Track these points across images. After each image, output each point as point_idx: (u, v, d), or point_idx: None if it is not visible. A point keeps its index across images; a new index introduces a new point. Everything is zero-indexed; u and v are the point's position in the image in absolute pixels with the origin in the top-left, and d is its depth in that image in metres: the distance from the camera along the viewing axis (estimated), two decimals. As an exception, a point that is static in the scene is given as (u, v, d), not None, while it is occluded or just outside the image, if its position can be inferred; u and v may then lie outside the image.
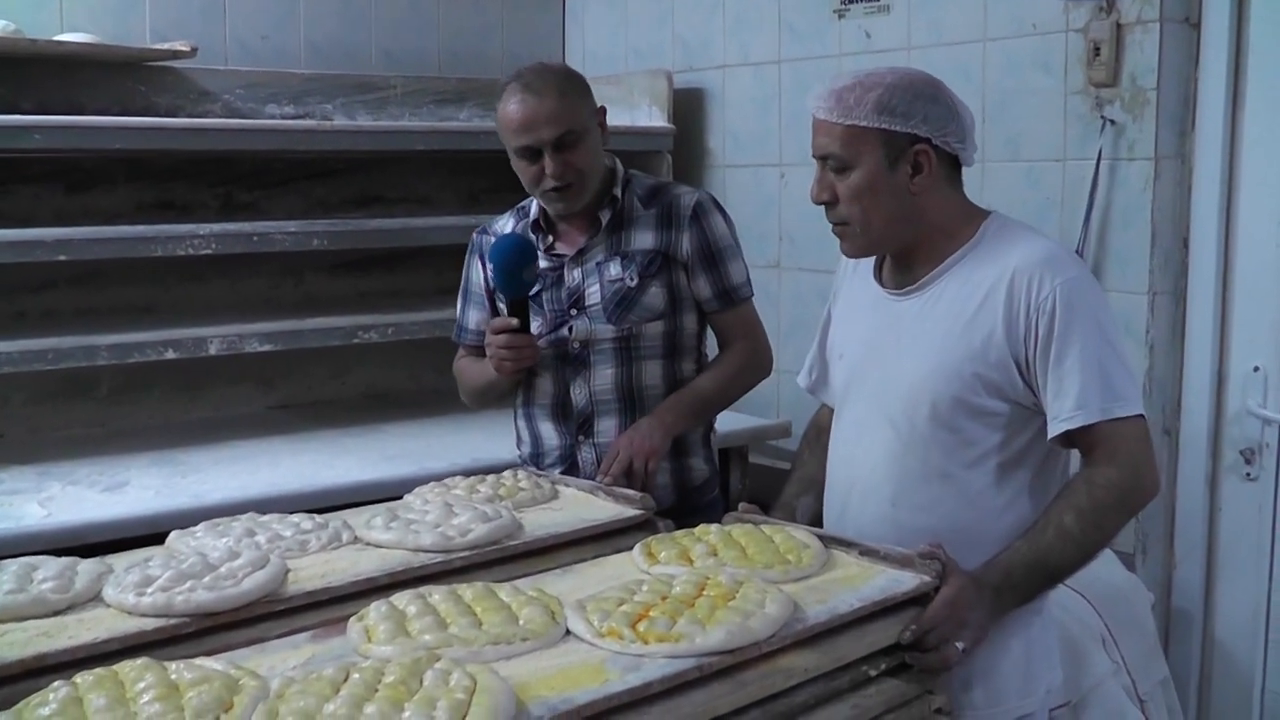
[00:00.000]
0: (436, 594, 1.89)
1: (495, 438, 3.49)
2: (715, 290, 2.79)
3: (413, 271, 4.29)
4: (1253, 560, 2.98)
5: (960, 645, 1.96)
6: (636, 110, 4.19)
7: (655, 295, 2.76)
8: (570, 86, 2.74)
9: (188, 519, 2.38)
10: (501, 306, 2.80)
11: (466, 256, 2.97)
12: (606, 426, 2.79)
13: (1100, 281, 3.01)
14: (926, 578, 1.98)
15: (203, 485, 3.11)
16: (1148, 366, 2.98)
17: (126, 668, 1.65)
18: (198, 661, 1.68)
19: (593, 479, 2.73)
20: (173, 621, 1.85)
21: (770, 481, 3.11)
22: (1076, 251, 3.00)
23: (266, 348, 3.51)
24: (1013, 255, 2.17)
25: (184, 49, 3.72)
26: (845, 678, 1.83)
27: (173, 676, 1.62)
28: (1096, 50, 2.98)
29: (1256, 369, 2.93)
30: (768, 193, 3.92)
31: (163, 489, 3.09)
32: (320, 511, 2.38)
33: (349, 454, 3.42)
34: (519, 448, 2.94)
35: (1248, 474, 2.96)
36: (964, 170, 2.26)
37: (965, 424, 2.17)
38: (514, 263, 2.66)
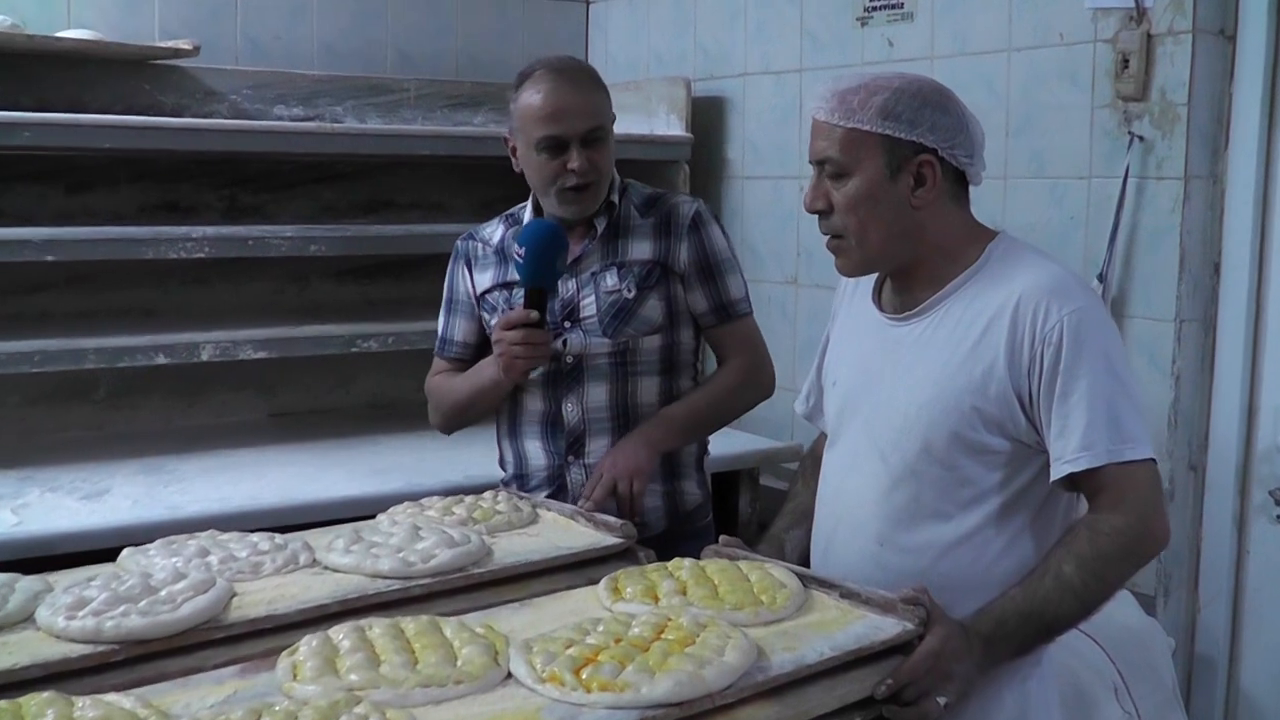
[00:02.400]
0: (377, 627, 1.77)
1: (492, 453, 3.37)
2: (711, 304, 2.67)
3: (419, 279, 4.15)
4: (1282, 607, 2.82)
5: (943, 700, 1.81)
6: (654, 118, 4.07)
7: (653, 308, 2.63)
8: (599, 82, 2.65)
9: (159, 532, 2.29)
10: (512, 301, 2.66)
11: (450, 264, 2.85)
12: (598, 446, 2.66)
13: (1125, 307, 2.87)
14: (909, 625, 1.83)
15: (182, 496, 3.02)
16: (1173, 399, 2.82)
17: (31, 700, 1.54)
18: (106, 698, 1.57)
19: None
20: (101, 648, 1.73)
21: (780, 505, 3.00)
22: (1100, 275, 2.85)
23: (260, 355, 3.41)
24: (1018, 281, 2.02)
25: (186, 47, 3.65)
26: (813, 733, 1.69)
27: (76, 713, 1.51)
28: (1125, 62, 2.83)
29: (1289, 404, 2.77)
30: (787, 206, 3.78)
31: (141, 499, 3.00)
32: (295, 528, 2.29)
33: (338, 466, 3.32)
34: (502, 469, 2.82)
35: (1278, 515, 2.79)
36: (982, 187, 2.13)
37: (962, 461, 2.02)
38: (549, 247, 2.50)
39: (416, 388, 4.13)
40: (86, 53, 3.57)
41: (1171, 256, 2.82)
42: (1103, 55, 2.90)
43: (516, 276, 2.65)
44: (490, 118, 4.27)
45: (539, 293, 2.51)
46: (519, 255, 2.50)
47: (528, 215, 2.74)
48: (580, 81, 2.60)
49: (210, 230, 3.40)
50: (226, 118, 3.84)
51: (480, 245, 2.80)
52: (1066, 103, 2.98)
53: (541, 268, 2.50)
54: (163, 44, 3.69)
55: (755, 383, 2.75)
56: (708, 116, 4.07)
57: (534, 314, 2.50)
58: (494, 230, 2.81)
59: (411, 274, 4.17)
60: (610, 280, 2.64)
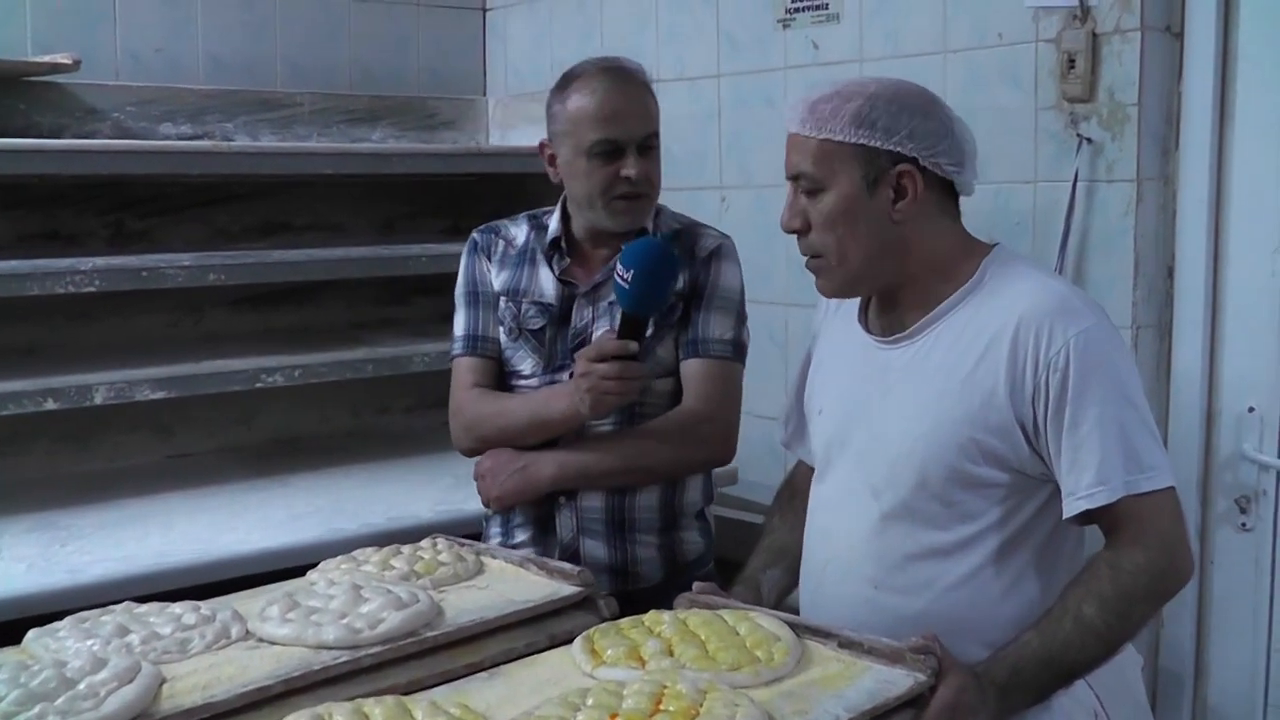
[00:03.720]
0: (339, 715, 1.58)
1: (412, 490, 3.23)
2: (690, 335, 2.48)
3: (323, 306, 3.96)
4: (1248, 618, 2.74)
5: (960, 755, 1.69)
6: (563, 130, 3.91)
7: (668, 347, 2.47)
8: (651, 87, 2.52)
9: (62, 599, 2.16)
10: (521, 316, 2.50)
11: (465, 257, 2.64)
12: (593, 492, 2.50)
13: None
14: (921, 676, 1.70)
15: (83, 556, 2.75)
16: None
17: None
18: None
19: (570, 546, 2.49)
20: (20, 760, 1.53)
21: (723, 532, 2.86)
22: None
23: (159, 395, 3.16)
24: (1019, 300, 1.90)
25: (66, 61, 3.40)
26: (829, 804, 1.54)
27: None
28: (1071, 62, 2.73)
29: (1251, 410, 2.69)
30: (708, 218, 3.52)
31: (36, 561, 2.72)
32: (214, 588, 2.11)
33: (250, 512, 3.08)
34: (486, 506, 2.61)
35: (1243, 524, 2.72)
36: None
37: (960, 496, 1.90)
38: (662, 269, 2.27)
39: (323, 420, 3.96)
40: (-45, 72, 3.32)
41: (1125, 261, 2.73)
42: (1045, 55, 2.81)
43: (537, 287, 2.53)
44: (389, 133, 4.08)
45: (639, 322, 2.29)
46: (623, 278, 2.24)
47: (554, 223, 2.56)
48: (637, 83, 2.48)
49: (100, 261, 3.14)
50: (109, 137, 3.60)
51: (503, 243, 2.61)
52: (1008, 105, 2.88)
53: (651, 293, 2.27)
54: (39, 59, 3.44)
55: (701, 436, 2.49)
56: (619, 127, 3.92)
57: (633, 345, 2.26)
58: (519, 229, 2.62)
59: (313, 300, 3.95)
60: None
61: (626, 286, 2.25)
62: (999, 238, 2.80)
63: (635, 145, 2.43)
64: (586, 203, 2.47)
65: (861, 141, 1.90)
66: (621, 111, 2.42)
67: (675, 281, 2.38)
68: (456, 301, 2.64)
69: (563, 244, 2.55)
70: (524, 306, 2.55)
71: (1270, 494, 2.70)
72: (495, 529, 2.62)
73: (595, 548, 2.51)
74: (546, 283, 2.54)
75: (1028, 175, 2.86)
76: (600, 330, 2.47)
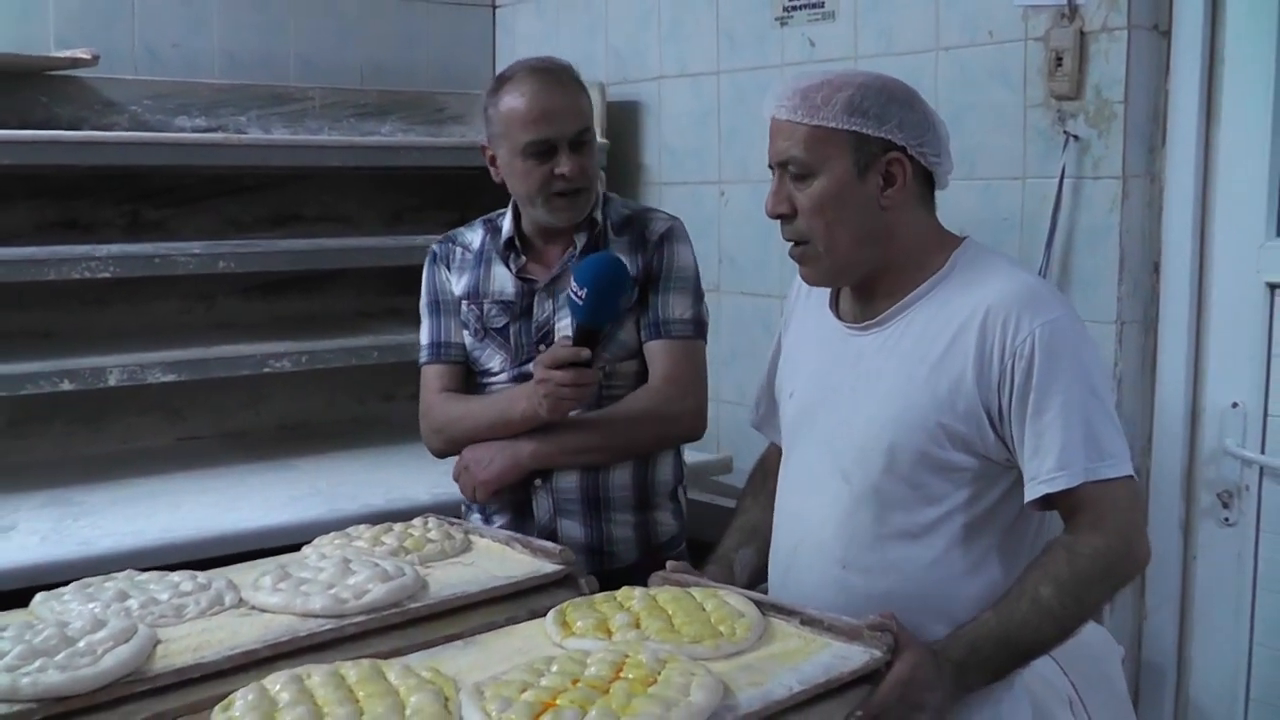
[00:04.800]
0: (316, 676, 1.65)
1: (411, 474, 3.30)
2: (651, 317, 2.54)
3: (331, 295, 4.05)
4: (1230, 612, 2.78)
5: (915, 729, 1.74)
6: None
7: (630, 330, 2.53)
8: (581, 81, 2.54)
9: (72, 570, 2.20)
10: (485, 317, 2.56)
11: (426, 268, 2.71)
12: (567, 473, 2.56)
13: (1063, 310, 2.82)
14: (876, 652, 1.75)
15: (94, 530, 2.85)
16: (1116, 402, 2.75)
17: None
18: (23, 764, 1.44)
19: (548, 527, 2.55)
20: (17, 708, 1.60)
21: (712, 519, 2.90)
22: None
23: (170, 378, 3.25)
24: (987, 290, 1.94)
25: (85, 57, 3.48)
26: (783, 770, 1.60)
27: (-10, 785, 1.38)
28: (1059, 60, 2.78)
29: (1235, 405, 2.72)
30: (707, 212, 3.70)
31: (50, 534, 2.83)
32: (217, 562, 2.19)
33: (254, 493, 3.17)
34: (471, 499, 2.65)
35: (1225, 519, 2.75)
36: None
37: (927, 479, 1.94)
38: (613, 283, 2.34)
39: (329, 406, 4.04)
40: (-22, 65, 3.40)
41: (1111, 257, 2.77)
42: (1034, 53, 2.85)
43: (497, 287, 2.58)
44: (398, 126, 4.14)
45: (593, 332, 2.37)
46: (577, 294, 2.31)
47: (507, 223, 2.61)
48: (564, 81, 2.50)
49: (115, 249, 3.24)
50: (126, 130, 3.67)
51: (460, 250, 2.67)
52: (998, 102, 2.92)
53: (604, 306, 2.34)
54: (59, 54, 3.51)
55: (670, 416, 2.55)
56: (622, 122, 3.98)
57: (585, 353, 2.34)
58: (473, 235, 2.68)
59: (321, 289, 4.04)
60: None
61: (580, 302, 2.32)
62: (988, 233, 2.86)
63: (568, 142, 2.46)
64: (528, 201, 2.53)
65: (854, 128, 1.94)
66: (551, 111, 2.45)
67: (627, 294, 2.43)
68: (421, 312, 2.71)
69: (516, 243, 2.61)
70: (486, 307, 2.61)
71: (1253, 489, 2.73)
72: (475, 515, 2.68)
73: (572, 528, 2.57)
74: (505, 281, 2.61)
75: (1016, 172, 2.90)
76: (562, 322, 2.53)
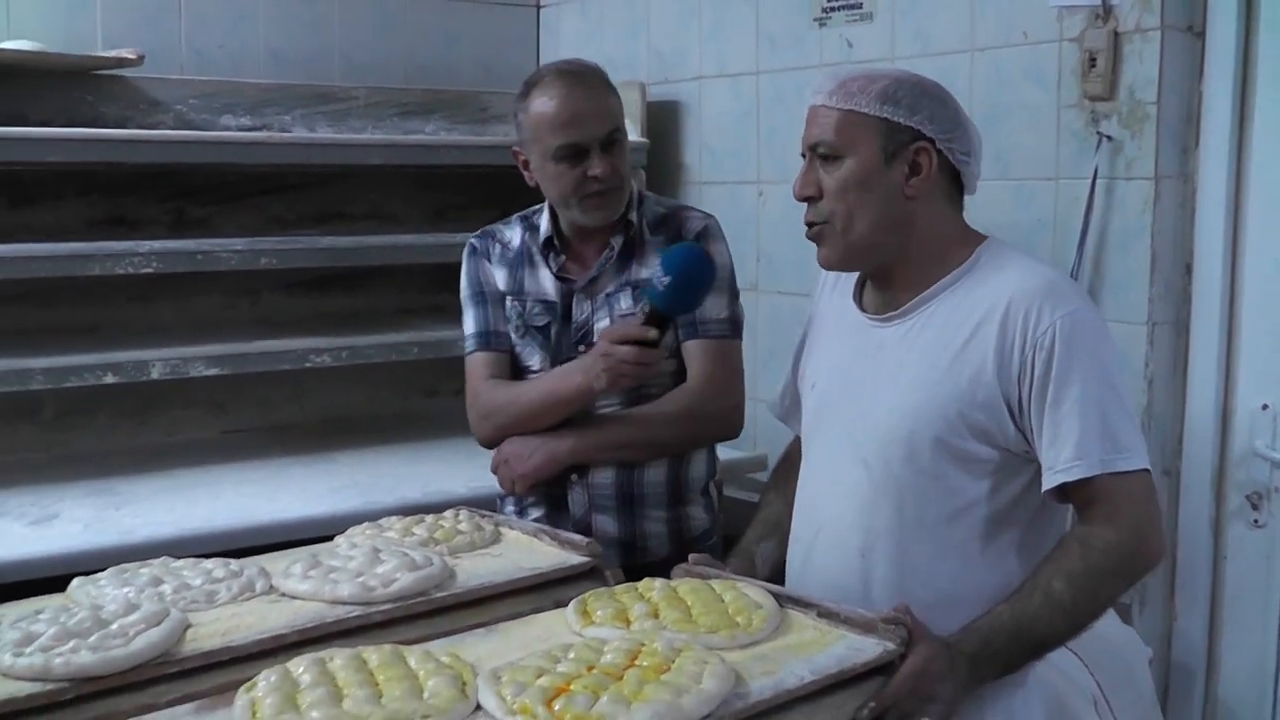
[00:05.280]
0: (338, 659, 1.69)
1: (450, 467, 3.35)
2: (687, 317, 2.54)
3: (374, 291, 4.10)
4: (1259, 613, 2.77)
5: (927, 721, 1.75)
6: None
7: (669, 330, 2.52)
8: (609, 82, 2.56)
9: (112, 558, 2.21)
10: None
11: (466, 261, 2.72)
12: (603, 469, 2.59)
13: (1096, 310, 2.82)
14: (890, 645, 1.77)
15: (134, 519, 2.92)
16: (1146, 403, 2.77)
17: (-27, 744, 1.46)
18: (53, 740, 1.49)
19: (582, 521, 2.58)
20: (49, 687, 1.65)
21: (746, 515, 2.93)
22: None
23: (211, 371, 3.31)
24: (1008, 283, 1.97)
25: (130, 57, 3.54)
26: (794, 760, 1.62)
27: (19, 758, 1.43)
28: (1092, 61, 2.78)
29: (1265, 407, 2.71)
30: (745, 211, 3.72)
31: (92, 523, 2.90)
32: (253, 552, 2.22)
33: (294, 485, 3.23)
34: (510, 491, 2.68)
35: (1255, 520, 2.75)
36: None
37: (948, 470, 1.96)
38: (696, 277, 2.33)
39: (370, 402, 4.09)
40: (27, 64, 3.46)
41: (1143, 258, 2.77)
42: (1069, 54, 2.85)
43: (538, 286, 2.60)
44: (441, 125, 4.17)
45: (665, 319, 2.37)
46: (660, 281, 2.30)
47: (545, 222, 2.63)
48: (592, 84, 2.52)
49: (158, 244, 3.31)
50: (172, 128, 3.72)
51: (499, 245, 2.70)
52: (1032, 103, 2.93)
53: (683, 298, 2.34)
54: (106, 54, 3.58)
55: (708, 415, 2.57)
56: (663, 121, 4.00)
57: (653, 333, 2.34)
58: (512, 232, 2.70)
59: (364, 285, 4.09)
60: (624, 302, 2.56)
61: (661, 288, 2.31)
62: (1021, 233, 2.89)
63: (598, 144, 2.48)
64: (561, 203, 2.55)
65: (885, 115, 1.98)
66: (580, 114, 2.46)
67: (709, 289, 2.42)
68: (464, 304, 2.71)
69: (555, 242, 2.63)
70: (528, 304, 2.63)
71: (1282, 491, 2.72)
72: (510, 508, 2.71)
73: (606, 522, 2.59)
74: (546, 281, 2.63)
75: (1050, 172, 2.91)
76: (600, 323, 2.55)
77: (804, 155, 2.08)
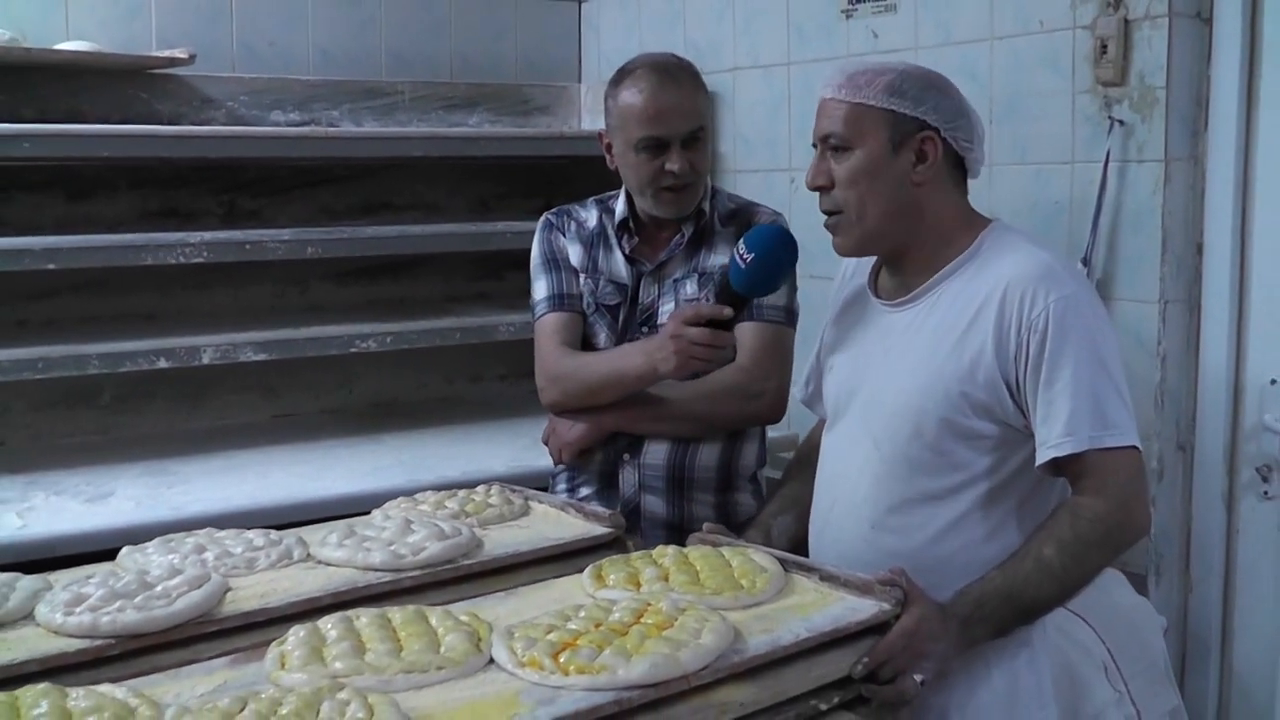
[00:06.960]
0: (364, 617, 1.82)
1: (492, 448, 3.46)
2: None
3: (421, 280, 4.23)
4: (1272, 584, 2.82)
5: (919, 678, 1.85)
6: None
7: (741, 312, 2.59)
8: (699, 80, 2.63)
9: (161, 532, 2.32)
10: (599, 293, 2.62)
11: (540, 234, 2.77)
12: (656, 449, 2.65)
13: (1109, 290, 2.88)
14: (885, 605, 1.87)
15: (185, 497, 3.06)
16: (1159, 379, 2.84)
17: (27, 693, 1.59)
18: (100, 688, 1.62)
19: (632, 500, 2.65)
20: (97, 643, 1.79)
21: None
22: (1084, 259, 2.86)
23: (261, 356, 3.44)
24: (1006, 267, 2.07)
25: (182, 56, 3.68)
26: (791, 712, 1.71)
27: (69, 704, 1.55)
28: (1104, 48, 2.85)
29: (1274, 382, 2.76)
30: (778, 199, 3.75)
31: (145, 500, 3.04)
32: (294, 525, 2.33)
33: (340, 465, 3.36)
34: (559, 462, 2.77)
35: (1265, 492, 2.80)
36: (970, 181, 2.18)
37: (951, 446, 2.07)
38: (779, 259, 2.33)
39: (418, 386, 4.22)
40: (84, 63, 3.61)
41: (1154, 238, 2.83)
42: (1082, 41, 2.92)
43: (610, 266, 2.66)
44: (485, 118, 4.30)
45: (742, 300, 2.37)
46: (743, 258, 2.29)
47: (621, 205, 2.71)
48: (682, 81, 2.57)
49: (208, 235, 3.44)
50: (223, 124, 3.87)
51: (574, 223, 2.76)
52: (1048, 89, 3.00)
53: (763, 278, 2.33)
54: (159, 53, 3.72)
55: (750, 393, 2.57)
56: (700, 111, 4.08)
57: (728, 311, 2.34)
58: (588, 214, 2.77)
59: (411, 274, 4.21)
60: (690, 288, 2.63)
61: (743, 267, 2.30)
62: (1039, 216, 2.96)
63: (679, 140, 2.54)
64: (637, 192, 2.63)
65: (891, 107, 2.09)
66: (666, 110, 2.52)
67: (789, 272, 2.42)
68: (534, 273, 2.75)
69: (630, 224, 2.70)
70: (601, 283, 2.70)
71: (1292, 464, 2.78)
72: (561, 485, 2.79)
73: (655, 504, 2.66)
74: (618, 262, 2.70)
75: (1065, 156, 2.97)
76: (666, 307, 2.62)
77: (815, 146, 2.18)
